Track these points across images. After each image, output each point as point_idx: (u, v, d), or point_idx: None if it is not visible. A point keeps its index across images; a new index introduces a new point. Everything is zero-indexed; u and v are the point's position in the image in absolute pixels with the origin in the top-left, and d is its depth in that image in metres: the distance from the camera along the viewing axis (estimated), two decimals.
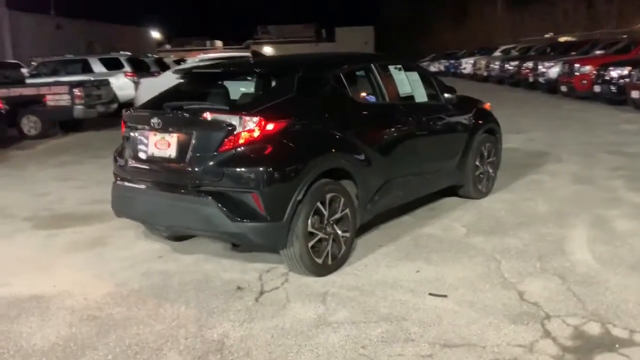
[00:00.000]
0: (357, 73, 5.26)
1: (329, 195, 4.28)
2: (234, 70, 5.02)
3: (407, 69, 5.51)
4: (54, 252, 5.15)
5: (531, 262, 4.47)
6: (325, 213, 4.25)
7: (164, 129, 4.20)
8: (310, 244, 4.16)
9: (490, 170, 6.41)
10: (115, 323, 3.71)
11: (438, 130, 5.59)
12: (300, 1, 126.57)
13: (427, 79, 5.77)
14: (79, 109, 12.97)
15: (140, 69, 17.37)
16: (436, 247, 4.90)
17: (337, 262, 4.40)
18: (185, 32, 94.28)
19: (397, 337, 3.39)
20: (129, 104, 12.77)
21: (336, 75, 4.69)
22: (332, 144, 4.36)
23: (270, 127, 4.00)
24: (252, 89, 4.90)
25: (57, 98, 12.72)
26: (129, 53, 18.34)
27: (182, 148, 4.10)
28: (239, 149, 3.96)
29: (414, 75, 5.53)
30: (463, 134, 5.92)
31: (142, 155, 4.35)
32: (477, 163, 6.13)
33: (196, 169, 4.01)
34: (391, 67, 5.34)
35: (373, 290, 4.07)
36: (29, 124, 12.94)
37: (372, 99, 5.14)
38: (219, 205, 3.91)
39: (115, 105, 14.51)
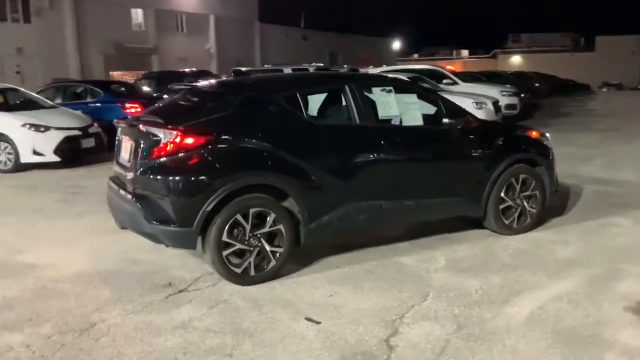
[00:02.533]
0: (323, 94, 5.25)
1: (253, 210, 4.47)
2: (202, 89, 5.39)
3: (402, 90, 5.30)
4: (92, 233, 6.16)
5: (454, 307, 4.09)
6: (247, 226, 4.46)
7: (128, 137, 4.85)
8: (225, 253, 4.42)
9: (529, 206, 5.74)
10: (49, 295, 4.46)
11: (430, 155, 5.25)
12: (559, 8, 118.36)
13: (434, 101, 5.45)
14: None
15: None
16: (386, 276, 4.71)
17: (264, 274, 4.56)
18: (434, 41, 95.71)
19: (224, 351, 3.53)
20: None
21: (288, 96, 4.80)
22: (259, 162, 4.52)
23: (189, 141, 4.37)
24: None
25: None
26: (321, 64, 19.49)
27: (131, 154, 4.69)
28: (161, 159, 4.40)
29: (410, 98, 5.27)
30: (477, 162, 5.44)
31: (118, 159, 5.06)
32: (503, 195, 5.58)
33: (135, 173, 4.56)
34: (376, 89, 5.20)
35: (264, 305, 4.18)
36: None
37: (338, 120, 5.11)
38: (139, 206, 4.42)
39: None
